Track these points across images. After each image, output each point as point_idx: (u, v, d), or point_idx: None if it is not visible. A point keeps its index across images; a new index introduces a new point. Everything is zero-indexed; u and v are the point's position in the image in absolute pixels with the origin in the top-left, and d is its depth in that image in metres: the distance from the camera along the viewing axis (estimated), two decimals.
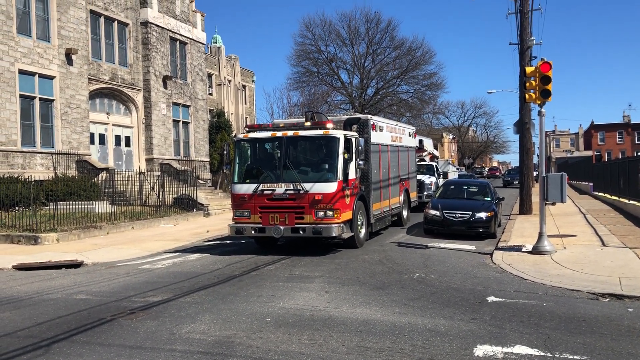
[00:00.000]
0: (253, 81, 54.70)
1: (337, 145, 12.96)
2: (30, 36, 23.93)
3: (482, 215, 15.76)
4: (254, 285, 9.79)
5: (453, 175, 35.82)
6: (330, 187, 12.62)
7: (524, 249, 13.05)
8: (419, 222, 18.48)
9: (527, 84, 12.71)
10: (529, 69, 12.93)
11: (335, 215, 12.56)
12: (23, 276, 11.35)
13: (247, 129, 14.31)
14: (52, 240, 15.74)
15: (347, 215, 13.12)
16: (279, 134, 13.38)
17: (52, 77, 24.84)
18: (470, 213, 15.79)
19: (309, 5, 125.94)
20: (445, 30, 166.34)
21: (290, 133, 13.26)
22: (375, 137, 15.61)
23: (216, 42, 48.78)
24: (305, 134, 13.27)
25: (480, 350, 6.13)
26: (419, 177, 25.05)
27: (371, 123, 15.30)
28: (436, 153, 40.49)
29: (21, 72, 23.32)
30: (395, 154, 17.91)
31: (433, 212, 16.31)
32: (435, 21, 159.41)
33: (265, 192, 12.97)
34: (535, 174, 28.77)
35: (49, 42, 24.79)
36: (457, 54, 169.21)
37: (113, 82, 29.31)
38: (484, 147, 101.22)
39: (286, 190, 12.79)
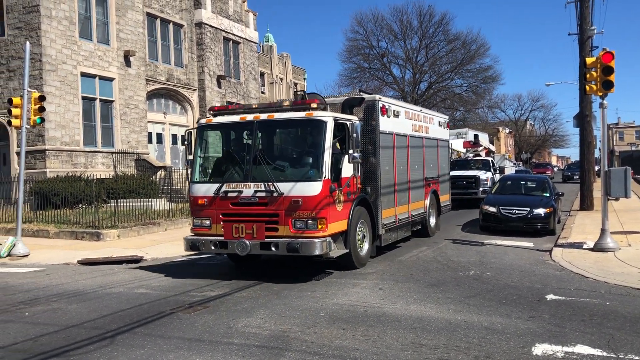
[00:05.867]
0: (304, 78, 55.01)
1: (323, 132, 9.77)
2: (91, 40, 24.88)
3: (541, 211, 15.34)
4: (308, 281, 9.85)
5: (510, 170, 34.91)
6: (313, 188, 9.48)
7: (585, 246, 12.61)
8: (474, 219, 18.14)
9: (588, 76, 12.24)
10: (589, 60, 12.46)
11: (320, 226, 9.44)
12: (87, 271, 11.83)
13: (212, 112, 11.13)
14: (114, 236, 16.34)
15: (338, 226, 10.01)
16: (250, 117, 10.30)
17: (111, 79, 25.76)
18: (528, 209, 15.40)
19: (360, 0, 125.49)
20: (500, 21, 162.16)
21: (263, 116, 10.21)
22: (387, 124, 12.09)
23: (268, 41, 49.33)
24: (282, 117, 10.15)
25: (539, 349, 5.98)
26: (474, 172, 24.59)
27: (380, 106, 11.66)
28: (492, 148, 39.63)
29: (83, 74, 24.29)
30: (418, 147, 14.28)
31: (489, 208, 16.00)
32: (490, 13, 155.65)
33: (230, 194, 9.95)
34: (597, 168, 27.71)
35: (109, 45, 25.71)
36: (513, 46, 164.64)
37: (169, 83, 30.11)
38: (542, 141, 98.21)
39: (256, 192, 9.76)
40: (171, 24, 30.43)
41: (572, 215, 19.94)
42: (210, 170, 10.87)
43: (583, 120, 21.67)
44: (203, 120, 11.03)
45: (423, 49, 54.19)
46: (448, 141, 17.46)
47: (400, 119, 13.00)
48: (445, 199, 16.73)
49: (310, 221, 9.46)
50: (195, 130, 10.94)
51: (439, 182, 16.02)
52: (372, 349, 6.10)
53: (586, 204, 21.54)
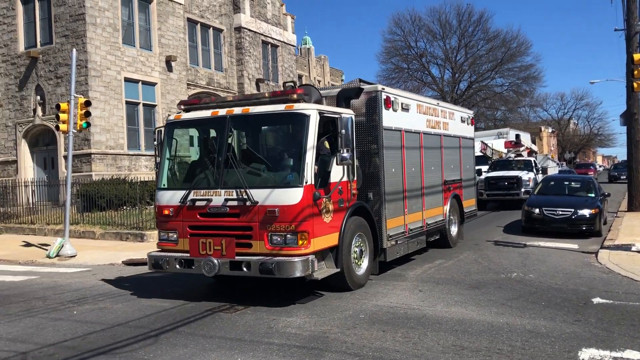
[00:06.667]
0: (342, 80, 55.06)
1: (305, 128, 8.22)
2: (134, 46, 25.52)
3: (586, 212, 14.95)
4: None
5: (553, 170, 34.11)
6: (292, 196, 7.94)
7: (633, 248, 12.22)
8: (516, 220, 17.80)
9: (636, 72, 11.91)
10: (637, 56, 12.11)
11: (301, 242, 7.90)
12: (132, 271, 12.14)
13: (182, 107, 9.54)
14: (156, 237, 16.66)
15: (326, 240, 8.41)
16: (222, 112, 8.79)
17: (154, 84, 26.36)
18: (572, 210, 15.03)
19: (397, 1, 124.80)
20: (541, 18, 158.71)
21: (237, 111, 8.70)
22: (394, 119, 10.38)
23: (306, 44, 49.60)
24: (257, 112, 8.60)
25: (586, 353, 5.83)
26: (516, 173, 24.12)
27: (383, 98, 9.92)
28: (534, 148, 38.78)
29: (126, 80, 24.92)
30: (435, 146, 12.52)
31: (532, 209, 15.68)
32: (530, 9, 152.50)
33: (198, 203, 8.49)
34: None
35: (151, 50, 26.31)
36: (556, 43, 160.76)
37: (209, 87, 30.59)
38: (586, 141, 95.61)
39: (226, 200, 8.27)
40: (211, 28, 30.92)
41: (619, 216, 19.35)
42: (178, 175, 9.45)
43: (630, 118, 21.01)
44: (171, 117, 9.53)
45: (462, 48, 53.61)
46: (473, 139, 15.58)
47: (411, 114, 11.28)
48: (469, 204, 14.85)
49: (289, 236, 7.92)
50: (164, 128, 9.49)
51: (462, 186, 14.17)
52: (412, 351, 6.06)
53: (634, 205, 20.87)
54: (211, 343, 6.53)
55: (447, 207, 13.00)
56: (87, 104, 15.32)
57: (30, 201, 21.56)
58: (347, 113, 9.06)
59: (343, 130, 8.34)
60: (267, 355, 6.06)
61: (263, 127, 9.39)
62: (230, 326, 7.21)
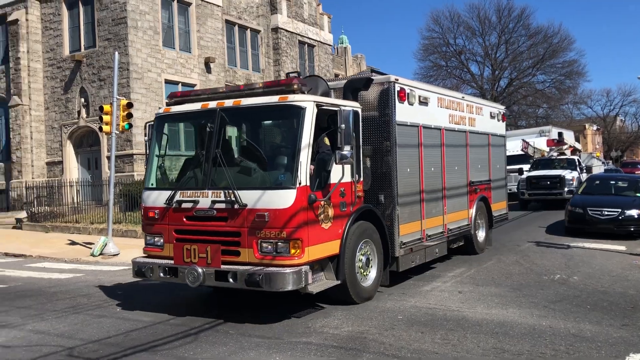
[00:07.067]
0: None
1: (300, 122, 7.39)
2: (174, 48, 25.96)
3: (634, 212, 14.44)
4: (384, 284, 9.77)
5: (598, 169, 33.08)
6: (283, 199, 7.14)
7: None
8: (559, 220, 17.36)
9: None
10: None
11: (293, 251, 7.10)
12: None
13: (172, 100, 8.72)
14: None
15: (325, 248, 7.60)
16: (212, 104, 7.96)
17: (193, 85, 26.73)
18: (619, 210, 14.54)
19: None
20: (584, 12, 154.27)
21: (228, 103, 7.87)
22: (409, 113, 9.42)
23: (342, 43, 49.51)
24: (249, 104, 7.76)
25: (634, 359, 5.63)
26: (559, 172, 23.53)
27: (396, 89, 8.98)
28: (578, 146, 37.74)
29: (167, 81, 25.38)
30: (459, 143, 11.49)
31: (576, 209, 15.25)
32: (573, 3, 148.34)
33: (184, 205, 7.73)
34: None
35: (190, 52, 26.72)
36: (599, 38, 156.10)
37: None
38: (634, 138, 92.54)
39: (214, 202, 7.49)
40: (248, 30, 31.20)
41: None
42: (167, 174, 8.64)
43: None
44: (160, 110, 8.69)
45: (502, 44, 52.58)
46: (504, 137, 14.52)
47: (431, 108, 10.30)
48: (499, 207, 13.70)
49: (280, 243, 7.10)
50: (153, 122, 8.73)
51: (491, 187, 13.11)
52: (451, 353, 5.97)
53: None
54: (250, 342, 6.58)
55: (473, 211, 12.01)
56: (129, 105, 15.66)
57: (75, 201, 22.18)
58: (348, 105, 7.93)
59: (343, 125, 7.34)
60: (304, 354, 6.07)
61: (256, 121, 8.42)
62: (269, 325, 7.26)
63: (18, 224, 21.71)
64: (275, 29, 32.48)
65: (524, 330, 6.68)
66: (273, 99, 7.59)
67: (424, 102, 9.97)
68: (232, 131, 8.46)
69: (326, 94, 8.45)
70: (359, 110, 8.41)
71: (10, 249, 16.35)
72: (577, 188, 19.15)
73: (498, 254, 12.35)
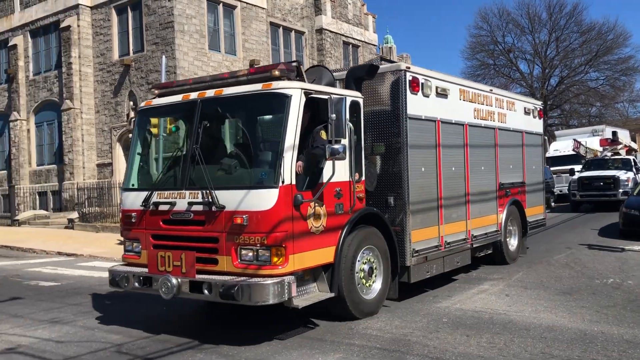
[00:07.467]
0: None
1: (285, 113, 6.56)
2: (220, 51, 26.37)
3: None
4: (430, 285, 9.63)
5: None
6: (264, 199, 6.35)
7: None
8: (613, 222, 16.74)
9: None
10: None
11: (276, 259, 6.29)
12: None
13: (156, 92, 8.03)
14: None
15: (316, 256, 6.77)
16: (193, 95, 7.26)
17: None
18: None
19: None
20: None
21: (209, 93, 7.13)
22: (423, 106, 8.45)
23: (387, 43, 49.16)
24: (231, 93, 6.97)
25: None
26: (613, 172, 22.71)
27: (407, 79, 8.04)
28: (634, 145, 36.30)
29: None
30: (486, 142, 10.45)
31: (631, 211, 14.67)
32: None
33: (161, 207, 7.00)
34: None
35: (235, 55, 27.08)
36: None
37: None
38: None
39: (190, 204, 6.77)
40: (293, 31, 31.39)
41: None
42: (149, 173, 7.89)
43: None
44: (143, 103, 8.01)
45: (553, 42, 51.02)
46: (541, 135, 13.28)
47: (451, 101, 9.25)
48: (535, 212, 12.40)
49: (261, 251, 6.31)
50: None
51: (526, 191, 11.89)
52: (497, 357, 5.82)
53: None
54: (292, 342, 6.59)
55: (503, 216, 10.83)
56: None
57: None
58: (341, 94, 7.03)
59: (333, 115, 6.44)
60: (347, 355, 6.04)
61: (239, 112, 7.44)
62: (311, 326, 7.25)
63: (70, 224, 22.53)
64: (320, 30, 32.56)
65: (574, 335, 6.46)
66: (256, 87, 6.81)
67: (442, 94, 8.96)
68: (213, 123, 7.45)
69: (331, 84, 7.73)
70: (360, 100, 7.59)
71: (64, 248, 16.96)
72: (633, 189, 18.46)
73: (548, 257, 11.98)
